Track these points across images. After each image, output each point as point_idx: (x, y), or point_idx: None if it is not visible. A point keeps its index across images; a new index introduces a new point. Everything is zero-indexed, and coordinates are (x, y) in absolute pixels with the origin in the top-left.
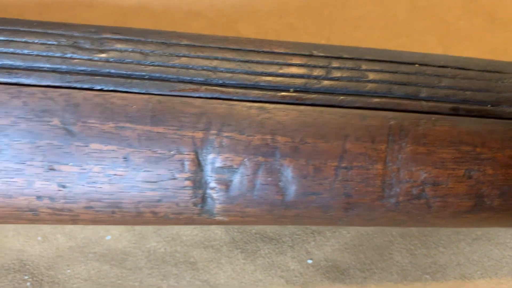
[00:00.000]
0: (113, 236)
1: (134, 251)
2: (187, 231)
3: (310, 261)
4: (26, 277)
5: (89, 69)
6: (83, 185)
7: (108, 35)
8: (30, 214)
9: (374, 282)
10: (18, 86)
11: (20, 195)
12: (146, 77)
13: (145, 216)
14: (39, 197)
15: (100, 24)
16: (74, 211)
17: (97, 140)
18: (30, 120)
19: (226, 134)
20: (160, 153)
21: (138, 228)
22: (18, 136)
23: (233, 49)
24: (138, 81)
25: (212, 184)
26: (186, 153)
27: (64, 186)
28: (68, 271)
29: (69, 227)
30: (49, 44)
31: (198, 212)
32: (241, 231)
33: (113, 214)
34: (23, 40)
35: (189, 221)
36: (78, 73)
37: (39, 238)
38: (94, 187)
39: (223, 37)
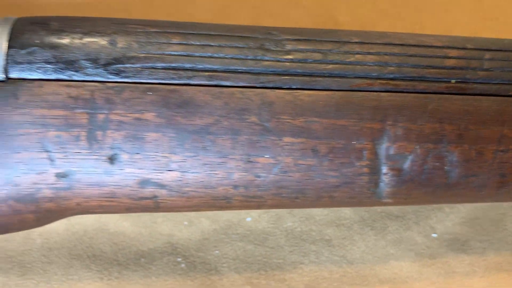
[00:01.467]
0: (252, 217)
1: (274, 231)
2: (319, 211)
3: (434, 235)
4: (179, 259)
5: (279, 69)
6: (276, 175)
7: (288, 37)
8: (224, 202)
9: (493, 252)
10: (219, 87)
11: (220, 185)
12: (327, 74)
13: (323, 201)
14: (235, 187)
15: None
16: (264, 198)
17: (289, 134)
18: (231, 118)
19: (400, 124)
20: (343, 144)
21: (274, 209)
22: (221, 133)
23: (397, 44)
24: (320, 78)
25: (386, 170)
26: (365, 143)
27: (259, 176)
28: (216, 252)
29: (211, 212)
30: (240, 47)
31: (369, 196)
32: (368, 210)
33: (296, 199)
34: (217, 44)
35: (357, 204)
36: (268, 73)
37: (185, 222)
38: (285, 176)
39: (384, 33)
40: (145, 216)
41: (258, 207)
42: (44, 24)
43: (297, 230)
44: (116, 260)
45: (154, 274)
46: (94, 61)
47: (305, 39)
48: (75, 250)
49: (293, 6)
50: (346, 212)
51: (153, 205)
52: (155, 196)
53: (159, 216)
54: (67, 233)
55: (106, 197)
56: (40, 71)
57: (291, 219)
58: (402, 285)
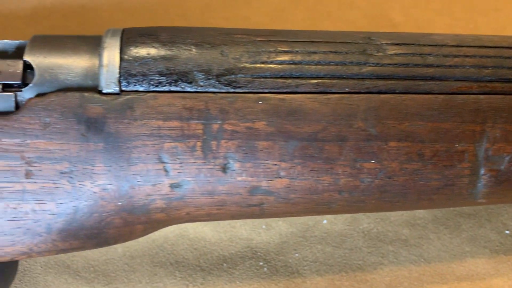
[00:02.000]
0: (328, 220)
1: (350, 232)
2: (393, 212)
3: (507, 232)
4: (261, 263)
5: (382, 74)
6: (381, 179)
7: (387, 41)
8: (325, 207)
9: None
10: (326, 94)
11: (326, 191)
12: (428, 78)
13: (421, 203)
14: (340, 192)
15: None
16: (365, 203)
17: (394, 138)
18: (338, 125)
19: (499, 125)
20: (446, 147)
21: None
22: (329, 140)
23: (491, 47)
24: (422, 82)
25: (484, 171)
26: (467, 145)
27: (364, 181)
28: (296, 255)
29: None
30: (344, 53)
31: (466, 197)
32: (441, 209)
33: (396, 203)
34: (322, 51)
35: (452, 205)
36: (372, 78)
37: (264, 226)
38: (389, 180)
39: (476, 36)
40: (224, 221)
41: (357, 211)
42: (153, 35)
43: (374, 231)
44: (199, 266)
45: (238, 279)
46: (207, 72)
47: (404, 44)
48: (157, 258)
49: (348, 7)
50: (420, 211)
51: (259, 212)
52: (262, 203)
53: (237, 221)
54: (147, 240)
55: (216, 206)
56: (153, 83)
57: (367, 220)
58: (480, 282)
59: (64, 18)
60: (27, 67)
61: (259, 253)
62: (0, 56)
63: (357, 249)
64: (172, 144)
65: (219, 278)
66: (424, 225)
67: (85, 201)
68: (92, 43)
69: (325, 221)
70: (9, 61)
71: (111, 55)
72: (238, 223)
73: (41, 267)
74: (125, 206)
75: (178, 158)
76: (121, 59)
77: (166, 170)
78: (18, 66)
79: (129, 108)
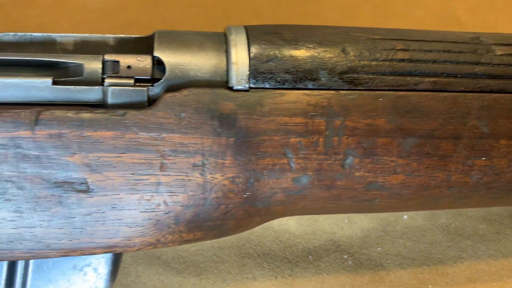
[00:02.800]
0: (408, 215)
1: (430, 227)
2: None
3: None
4: (345, 256)
5: (493, 74)
6: (489, 176)
7: (494, 42)
8: (432, 203)
9: None
10: (443, 92)
11: (437, 187)
12: None
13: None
14: (450, 188)
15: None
16: (471, 199)
17: (505, 136)
18: (453, 123)
19: None
20: None
21: None
22: (444, 137)
23: None
24: None
25: None
26: None
27: (473, 178)
28: (379, 248)
29: None
30: (457, 53)
31: None
32: None
33: (499, 199)
34: (436, 50)
35: None
36: (485, 78)
37: (346, 220)
38: (496, 177)
39: None
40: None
41: (460, 207)
42: (277, 33)
43: (452, 226)
44: (285, 258)
45: (325, 271)
46: (331, 70)
47: (510, 44)
48: (244, 249)
49: (415, 6)
50: (496, 207)
51: (368, 207)
52: (375, 199)
53: (320, 215)
54: None
55: (331, 200)
56: (280, 80)
57: (445, 215)
58: None
59: (137, 12)
60: (155, 62)
61: (342, 247)
62: (103, 51)
63: (436, 244)
64: (297, 139)
65: (306, 270)
66: (500, 221)
67: (215, 193)
68: (216, 40)
69: (405, 217)
70: (139, 57)
71: (240, 52)
72: (321, 217)
73: (131, 258)
74: (250, 198)
75: (301, 153)
76: (250, 57)
77: (290, 165)
78: (148, 61)
79: (258, 104)
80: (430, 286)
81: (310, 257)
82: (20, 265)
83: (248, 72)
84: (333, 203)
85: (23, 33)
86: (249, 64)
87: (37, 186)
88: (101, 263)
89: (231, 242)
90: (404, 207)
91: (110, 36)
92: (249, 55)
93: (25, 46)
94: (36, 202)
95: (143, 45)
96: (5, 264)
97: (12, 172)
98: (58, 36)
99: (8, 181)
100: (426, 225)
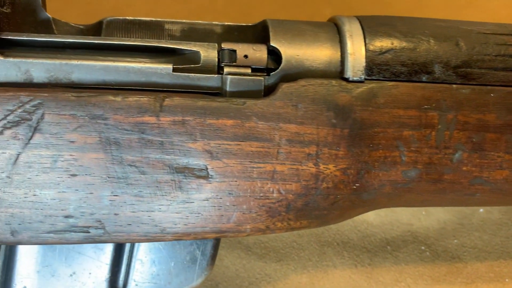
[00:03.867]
0: (485, 208)
1: (506, 221)
2: None
3: None
4: (423, 248)
5: None
6: None
7: None
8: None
9: None
10: None
11: None
12: None
13: None
14: None
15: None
16: None
17: None
18: None
19: None
20: None
21: None
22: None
23: None
24: None
25: None
26: None
27: None
28: (455, 241)
29: None
30: None
31: None
32: None
33: None
34: None
35: None
36: None
37: (423, 212)
38: None
39: None
40: None
41: None
42: (392, 25)
43: None
44: (364, 247)
45: (403, 261)
46: (445, 64)
47: None
48: (323, 237)
49: (467, 5)
50: None
51: (467, 201)
52: (476, 193)
53: None
54: None
55: (435, 194)
56: (395, 72)
57: None
58: None
59: None
60: (269, 52)
61: (419, 238)
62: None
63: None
64: (410, 132)
65: (385, 260)
66: None
67: (326, 183)
68: (328, 31)
69: (481, 210)
70: (254, 46)
71: (356, 44)
72: (398, 208)
73: None
74: (358, 190)
75: (413, 146)
76: (366, 48)
77: (401, 158)
78: (264, 51)
79: (373, 96)
80: (507, 280)
81: (389, 247)
82: (127, 247)
83: (364, 64)
84: (436, 197)
85: (132, 18)
86: (366, 55)
87: (159, 171)
88: (208, 246)
89: (310, 230)
90: (502, 202)
91: (217, 24)
92: (365, 46)
93: (133, 31)
94: (157, 187)
95: (249, 34)
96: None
97: (135, 157)
98: (166, 21)
99: (131, 165)
100: (502, 219)
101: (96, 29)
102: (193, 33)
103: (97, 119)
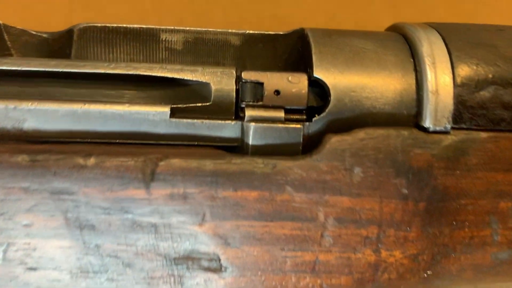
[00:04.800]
0: None
1: None
2: None
3: None
4: None
5: None
6: None
7: None
8: None
9: None
10: None
11: None
12: None
13: None
14: None
15: None
16: None
17: None
18: None
19: None
20: None
21: None
22: None
23: None
24: None
25: None
26: None
27: None
28: None
29: None
30: None
31: None
32: None
33: None
34: None
35: None
36: None
37: None
38: None
39: None
40: None
41: None
42: (490, 46)
43: None
44: None
45: None
46: None
47: None
48: None
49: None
50: None
51: None
52: None
53: None
54: None
55: None
56: (494, 119)
57: None
58: None
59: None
60: (311, 83)
61: None
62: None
63: None
64: (509, 204)
65: None
66: None
67: (388, 273)
68: (397, 51)
69: None
70: (291, 76)
71: (440, 75)
72: None
73: None
74: (430, 278)
75: (511, 222)
76: (455, 83)
77: (492, 237)
78: (304, 83)
79: (462, 154)
80: None
81: None
82: None
83: (452, 106)
84: None
85: (114, 24)
86: (454, 93)
87: (150, 263)
88: None
89: None
90: None
91: (232, 32)
92: (454, 79)
93: (116, 43)
94: (148, 283)
95: (279, 48)
96: None
97: (117, 244)
98: (162, 29)
99: (111, 256)
100: None
101: (65, 38)
102: (199, 46)
103: (61, 194)
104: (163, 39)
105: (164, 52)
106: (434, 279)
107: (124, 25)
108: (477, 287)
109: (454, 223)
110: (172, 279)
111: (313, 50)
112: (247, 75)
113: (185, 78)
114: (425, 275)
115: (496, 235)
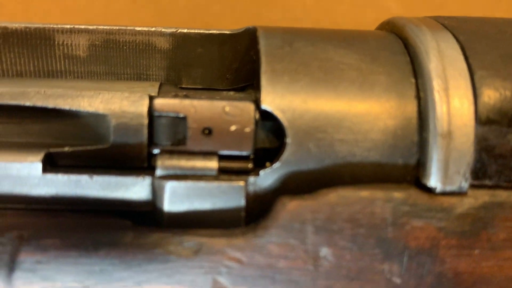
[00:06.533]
0: None
1: None
2: None
3: None
4: None
5: None
6: None
7: None
8: None
9: None
10: None
11: None
12: None
13: None
14: None
15: None
16: None
17: None
18: None
19: None
20: None
21: None
22: None
23: None
24: None
25: None
26: None
27: None
28: None
29: None
30: None
31: None
32: None
33: None
34: None
35: None
36: None
37: None
38: None
39: None
40: None
41: None
42: None
43: None
44: None
45: None
46: None
47: None
48: None
49: None
50: None
51: None
52: None
53: None
54: None
55: None
56: None
57: None
58: None
59: None
60: (262, 115)
61: None
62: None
63: None
64: None
65: None
66: None
67: None
68: (393, 70)
69: None
70: (229, 104)
71: (457, 108)
72: None
73: None
74: None
75: None
76: (478, 120)
77: None
78: (248, 116)
79: (484, 225)
80: None
81: None
82: None
83: (472, 156)
84: None
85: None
86: (476, 135)
87: None
88: None
89: None
90: None
91: (158, 31)
92: (476, 114)
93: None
94: None
95: (230, 50)
96: None
97: None
98: (57, 29)
99: None
100: None
101: None
102: (112, 52)
103: None
104: (60, 42)
105: (62, 61)
106: None
107: (3, 24)
108: None
109: None
110: None
111: (263, 68)
112: (161, 104)
113: (71, 108)
114: None
115: None
